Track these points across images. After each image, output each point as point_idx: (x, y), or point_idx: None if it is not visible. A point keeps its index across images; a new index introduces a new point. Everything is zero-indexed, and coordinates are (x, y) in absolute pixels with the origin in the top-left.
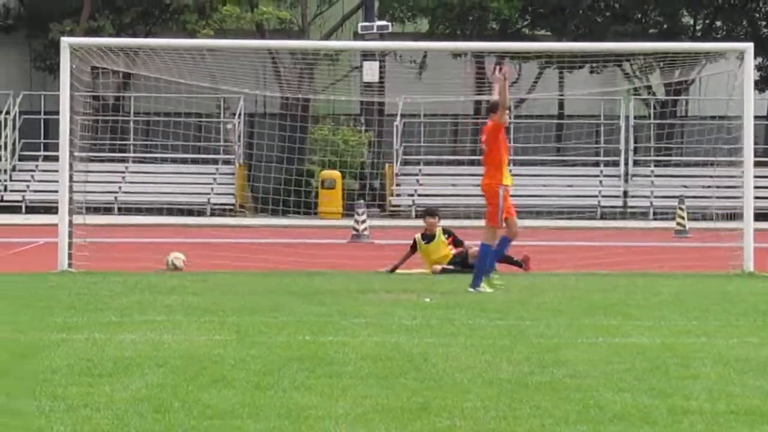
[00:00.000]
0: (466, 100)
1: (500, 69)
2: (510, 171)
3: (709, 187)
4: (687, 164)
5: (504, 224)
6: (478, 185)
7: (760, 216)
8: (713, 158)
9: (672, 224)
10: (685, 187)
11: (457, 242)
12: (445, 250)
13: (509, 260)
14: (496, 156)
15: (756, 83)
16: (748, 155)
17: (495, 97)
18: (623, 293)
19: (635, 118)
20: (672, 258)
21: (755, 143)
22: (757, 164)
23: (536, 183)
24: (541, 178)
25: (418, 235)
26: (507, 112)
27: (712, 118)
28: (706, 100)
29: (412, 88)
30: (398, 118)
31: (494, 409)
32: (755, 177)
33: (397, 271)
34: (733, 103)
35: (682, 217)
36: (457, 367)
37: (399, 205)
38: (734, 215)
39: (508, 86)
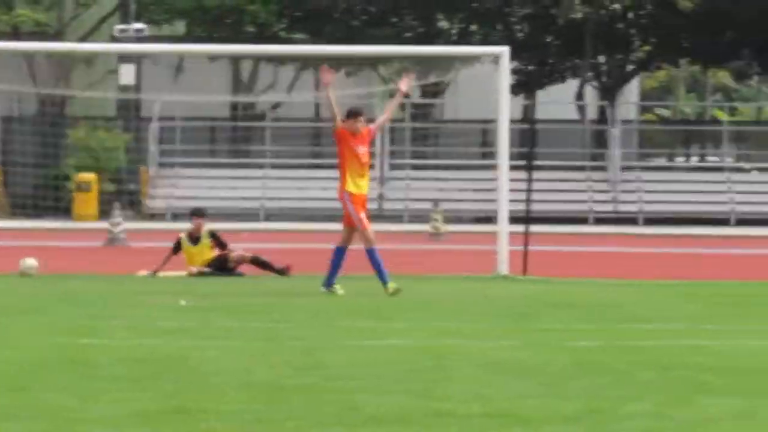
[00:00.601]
0: (222, 102)
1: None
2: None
3: (464, 190)
4: (443, 167)
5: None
6: (235, 188)
7: (514, 219)
8: (469, 161)
9: (427, 227)
10: (441, 190)
11: (221, 245)
12: (210, 253)
13: (269, 266)
14: (340, 162)
15: (511, 87)
16: (503, 158)
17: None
18: (379, 296)
19: (391, 121)
20: (427, 261)
21: (510, 147)
22: (512, 168)
23: (293, 186)
24: (299, 181)
25: (183, 236)
26: (345, 119)
27: (469, 121)
28: (463, 103)
29: (169, 90)
30: (155, 120)
31: (251, 412)
32: (510, 180)
33: (159, 273)
34: (489, 106)
35: (437, 220)
36: (214, 370)
37: (155, 208)
38: (489, 218)
39: (331, 92)
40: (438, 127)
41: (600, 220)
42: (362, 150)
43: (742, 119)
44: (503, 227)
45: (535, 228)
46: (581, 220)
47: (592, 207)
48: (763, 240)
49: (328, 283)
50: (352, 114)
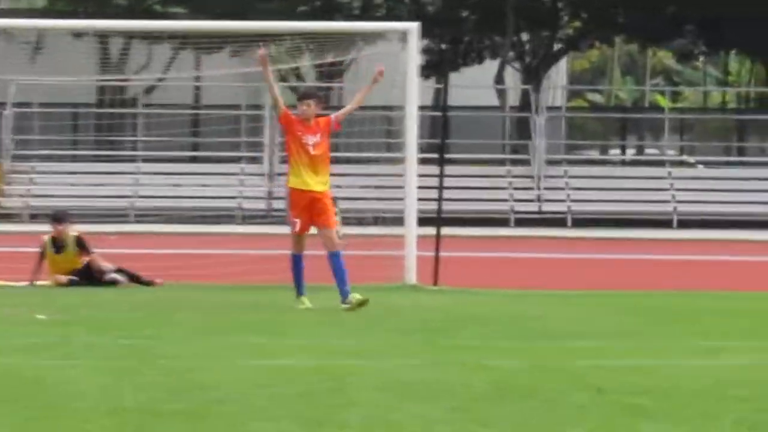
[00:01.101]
0: (88, 86)
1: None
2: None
3: (366, 187)
4: (342, 160)
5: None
6: (102, 185)
7: (424, 221)
8: (372, 154)
9: None
10: (338, 186)
11: (88, 251)
12: (77, 261)
13: (136, 279)
14: (287, 153)
15: (421, 69)
16: (411, 151)
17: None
18: (272, 309)
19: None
20: (324, 268)
21: (419, 137)
22: (421, 162)
23: (168, 182)
24: (174, 177)
25: (47, 239)
26: (298, 105)
27: (373, 108)
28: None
29: (26, 72)
30: (8, 107)
31: None
32: (419, 176)
33: (37, 282)
34: (395, 90)
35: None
36: (75, 393)
37: (10, 208)
38: (395, 219)
39: (268, 71)
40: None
41: (522, 222)
42: (312, 140)
43: (685, 106)
44: (411, 230)
45: (447, 230)
46: (501, 222)
47: (513, 206)
48: (708, 244)
49: (301, 291)
50: (301, 97)
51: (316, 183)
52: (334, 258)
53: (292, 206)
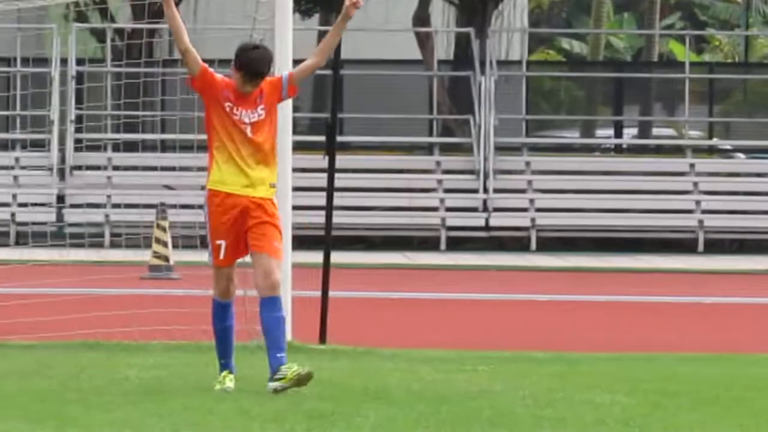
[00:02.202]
0: None
1: None
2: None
3: None
4: (170, 147)
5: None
6: None
7: (304, 242)
8: None
9: (144, 255)
10: (169, 188)
11: None
12: None
13: None
14: (207, 134)
15: (298, 2)
16: (283, 132)
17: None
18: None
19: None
20: (139, 316)
21: (296, 110)
22: (299, 147)
23: None
24: None
25: None
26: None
27: (222, 63)
28: (206, 32)
29: None
30: None
31: None
32: (297, 170)
33: None
34: (257, 37)
35: (164, 243)
36: None
37: None
38: None
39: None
40: (162, 73)
41: (459, 242)
42: (249, 117)
43: (719, 60)
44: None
45: (341, 257)
46: (426, 243)
47: (444, 219)
48: (752, 279)
49: (223, 366)
50: (247, 71)
51: (254, 183)
52: (269, 305)
53: (211, 220)
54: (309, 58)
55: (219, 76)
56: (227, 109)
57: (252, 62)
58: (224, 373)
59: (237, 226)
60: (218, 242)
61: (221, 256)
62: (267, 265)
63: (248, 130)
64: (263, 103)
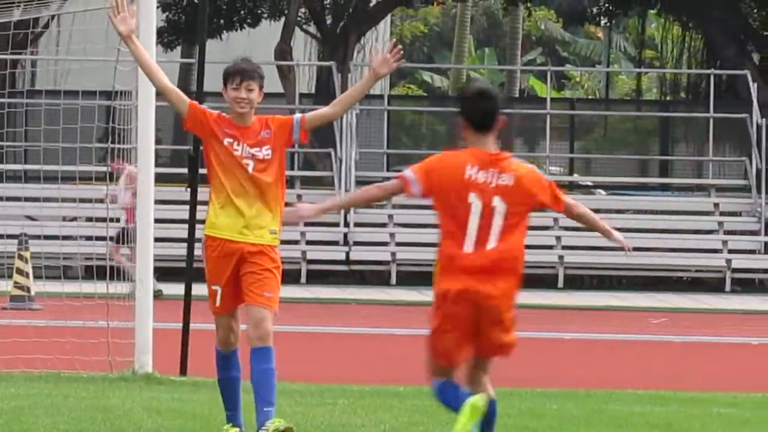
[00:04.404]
0: None
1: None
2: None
3: (72, 219)
4: (31, 178)
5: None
6: None
7: (166, 272)
8: (85, 168)
9: (6, 284)
10: (31, 218)
11: None
12: None
13: None
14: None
15: (161, 33)
16: (146, 163)
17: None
18: None
19: None
20: (5, 344)
21: (158, 142)
22: (162, 179)
23: None
24: None
25: None
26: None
27: (86, 94)
28: (69, 63)
29: None
30: None
31: None
32: (159, 203)
33: None
34: (119, 68)
35: (25, 273)
36: None
37: None
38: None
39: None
40: (25, 103)
41: (318, 276)
42: (254, 153)
43: (579, 96)
44: (146, 287)
45: (202, 288)
46: (288, 276)
47: (305, 253)
48: (617, 315)
49: (229, 417)
50: (232, 73)
51: (252, 227)
52: (259, 356)
53: (208, 264)
54: (327, 107)
55: (213, 112)
56: (226, 145)
57: (231, 68)
58: (228, 425)
59: (234, 273)
60: (214, 287)
61: (217, 303)
62: (258, 315)
63: (250, 167)
64: (270, 143)
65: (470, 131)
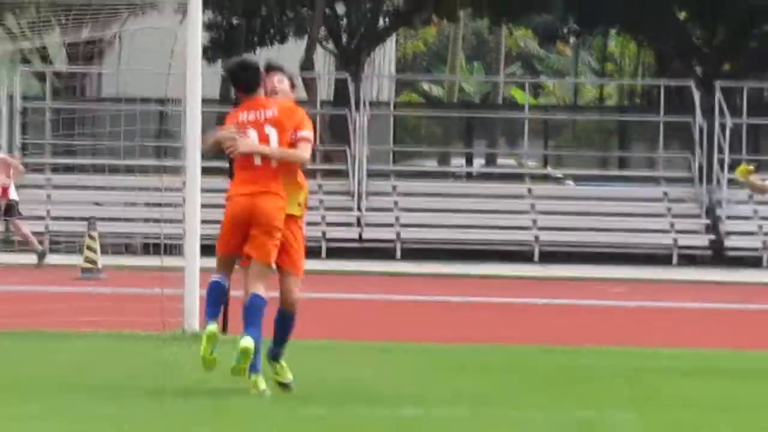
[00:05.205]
0: None
1: None
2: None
3: (134, 204)
4: (99, 169)
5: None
6: None
7: (210, 249)
8: (140, 162)
9: (78, 259)
10: (98, 204)
11: None
12: None
13: None
14: None
15: (205, 50)
16: (192, 157)
17: None
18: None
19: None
20: (74, 309)
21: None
22: (207, 172)
23: None
24: None
25: None
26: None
27: (143, 100)
28: (131, 74)
29: None
30: None
31: None
32: (204, 191)
33: None
34: (172, 78)
35: (93, 250)
36: None
37: None
38: (172, 247)
39: None
40: (93, 108)
41: (336, 252)
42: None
43: (551, 103)
44: (192, 261)
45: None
46: (310, 252)
47: (325, 232)
48: (581, 285)
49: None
50: (267, 68)
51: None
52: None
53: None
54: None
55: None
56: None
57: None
58: (255, 376)
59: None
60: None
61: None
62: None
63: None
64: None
65: (242, 94)
